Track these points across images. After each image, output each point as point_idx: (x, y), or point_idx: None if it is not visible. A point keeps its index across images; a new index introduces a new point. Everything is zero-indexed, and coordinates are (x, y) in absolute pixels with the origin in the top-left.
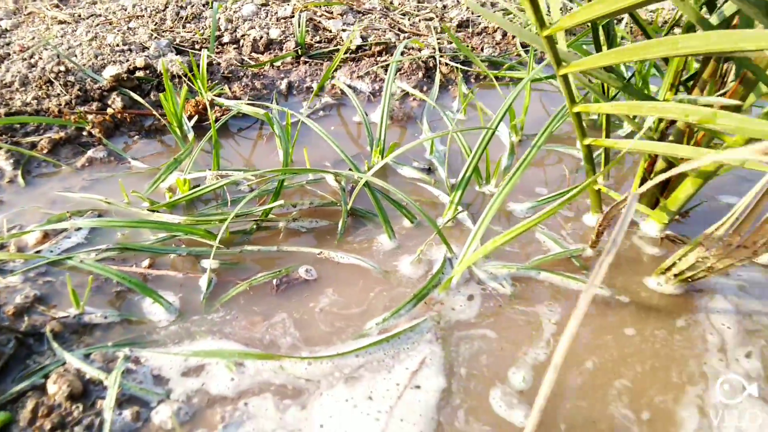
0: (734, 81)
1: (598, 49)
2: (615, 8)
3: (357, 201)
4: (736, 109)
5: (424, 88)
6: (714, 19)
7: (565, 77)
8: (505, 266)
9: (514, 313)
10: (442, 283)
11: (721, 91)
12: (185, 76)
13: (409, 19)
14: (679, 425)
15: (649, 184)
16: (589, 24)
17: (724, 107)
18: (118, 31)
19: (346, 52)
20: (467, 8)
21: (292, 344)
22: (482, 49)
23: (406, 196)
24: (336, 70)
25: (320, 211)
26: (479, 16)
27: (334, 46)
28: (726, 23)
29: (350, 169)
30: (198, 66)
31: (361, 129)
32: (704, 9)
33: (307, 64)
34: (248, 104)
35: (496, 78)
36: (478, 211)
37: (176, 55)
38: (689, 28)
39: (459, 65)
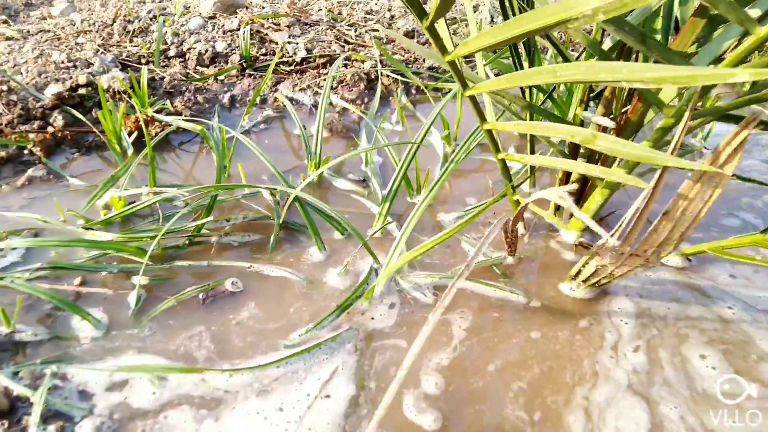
0: None
1: (519, 66)
2: (501, 39)
3: (292, 214)
4: (639, 124)
5: (366, 100)
6: (607, 43)
7: (472, 97)
8: (429, 276)
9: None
10: (365, 293)
11: (626, 108)
12: (125, 92)
13: (355, 30)
14: (565, 424)
15: (527, 201)
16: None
17: (603, 128)
18: (66, 46)
19: (291, 65)
20: (413, 18)
21: (215, 357)
22: (424, 60)
23: (333, 209)
24: (279, 82)
25: (254, 225)
26: None
27: (280, 58)
28: (614, 48)
29: (282, 184)
30: (139, 82)
31: (301, 141)
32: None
33: (252, 77)
34: (186, 120)
35: (436, 89)
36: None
37: (121, 70)
38: (590, 54)
39: (399, 77)
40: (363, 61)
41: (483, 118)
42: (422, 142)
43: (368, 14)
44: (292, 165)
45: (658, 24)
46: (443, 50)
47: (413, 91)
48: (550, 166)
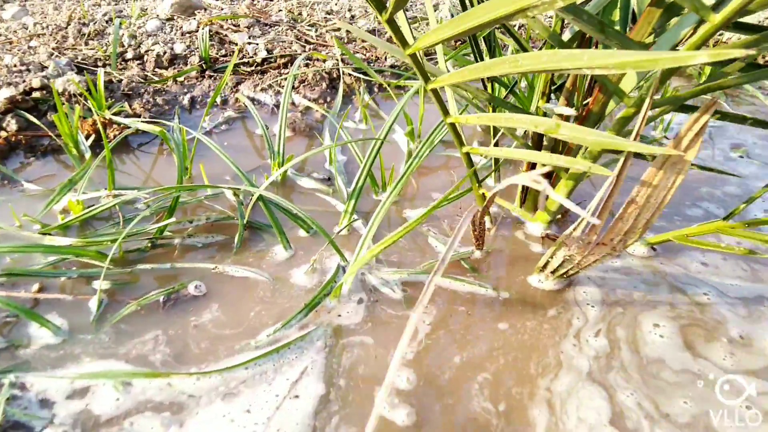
0: None
1: (480, 59)
2: (462, 29)
3: (256, 214)
4: (600, 115)
5: (328, 99)
6: (567, 35)
7: (434, 91)
8: (397, 272)
9: (396, 317)
10: (333, 291)
11: (588, 99)
12: (81, 95)
13: (316, 30)
14: (529, 414)
15: (495, 189)
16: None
17: (566, 119)
18: (18, 50)
19: (252, 65)
20: (375, 17)
21: (180, 361)
22: (386, 59)
23: (296, 207)
24: (240, 83)
25: (218, 226)
26: None
27: (240, 59)
28: (574, 39)
29: (246, 184)
30: (95, 85)
31: (264, 141)
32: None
33: (212, 78)
34: (145, 122)
35: (398, 87)
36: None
37: (77, 73)
38: (551, 46)
39: (362, 75)
40: (324, 61)
41: (446, 112)
42: (386, 139)
43: (329, 14)
44: (255, 165)
45: (616, 16)
46: (404, 43)
47: (376, 89)
48: (515, 158)
